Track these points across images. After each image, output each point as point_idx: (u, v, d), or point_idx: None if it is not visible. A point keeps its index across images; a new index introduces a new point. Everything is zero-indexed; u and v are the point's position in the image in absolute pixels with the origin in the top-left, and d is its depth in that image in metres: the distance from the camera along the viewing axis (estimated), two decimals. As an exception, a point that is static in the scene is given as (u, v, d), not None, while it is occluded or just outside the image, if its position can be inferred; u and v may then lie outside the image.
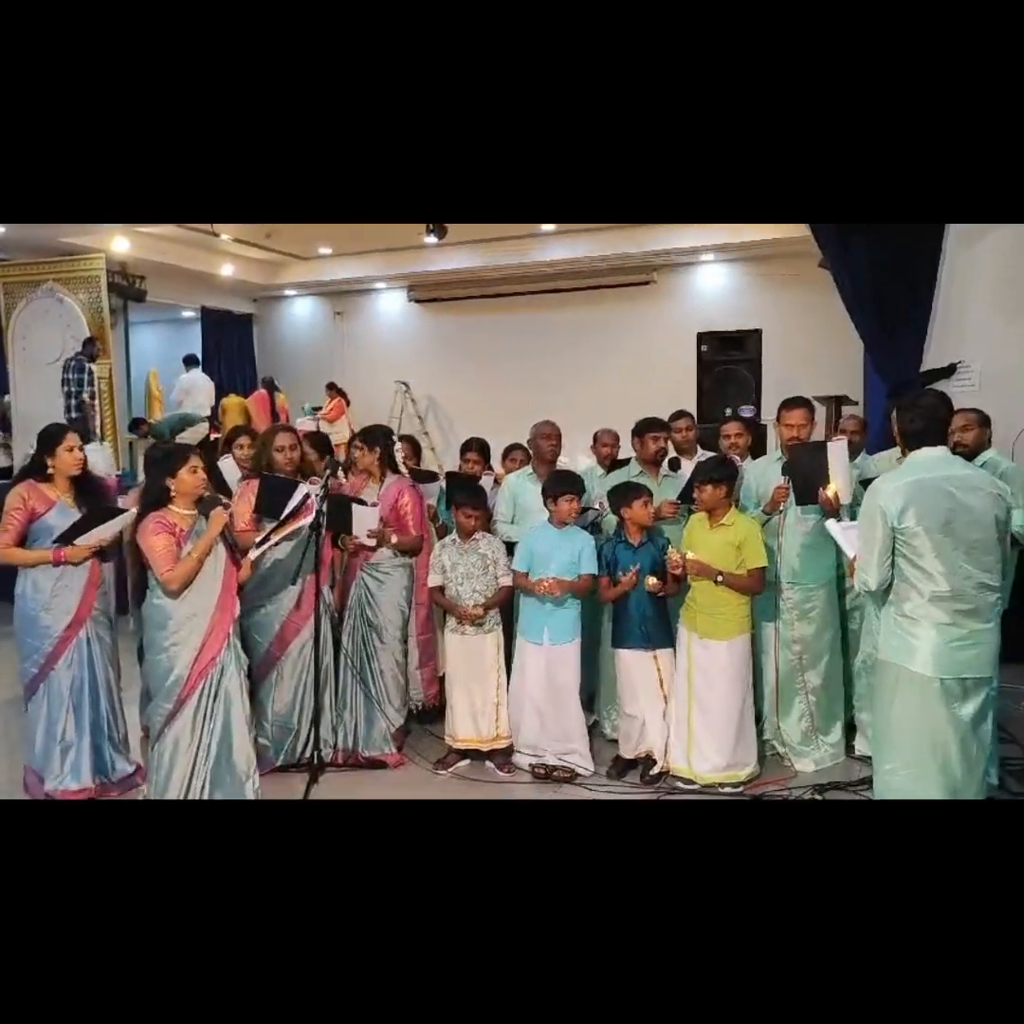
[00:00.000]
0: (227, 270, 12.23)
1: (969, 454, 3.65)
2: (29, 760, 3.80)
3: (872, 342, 6.47)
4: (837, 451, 3.66)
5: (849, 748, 4.13)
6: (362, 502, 4.01)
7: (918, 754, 2.62)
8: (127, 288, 11.07)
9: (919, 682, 2.60)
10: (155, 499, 3.27)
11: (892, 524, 2.58)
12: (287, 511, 3.58)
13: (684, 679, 3.76)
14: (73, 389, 8.52)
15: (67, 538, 3.60)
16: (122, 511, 3.67)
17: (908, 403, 2.78)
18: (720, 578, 3.64)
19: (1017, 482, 3.62)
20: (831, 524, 3.26)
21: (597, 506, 4.29)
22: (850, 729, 4.19)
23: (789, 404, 3.99)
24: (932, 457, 2.67)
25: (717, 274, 10.53)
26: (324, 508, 3.83)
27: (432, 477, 4.65)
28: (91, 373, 8.68)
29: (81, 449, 3.71)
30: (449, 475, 4.86)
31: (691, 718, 3.73)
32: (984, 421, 3.92)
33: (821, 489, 3.63)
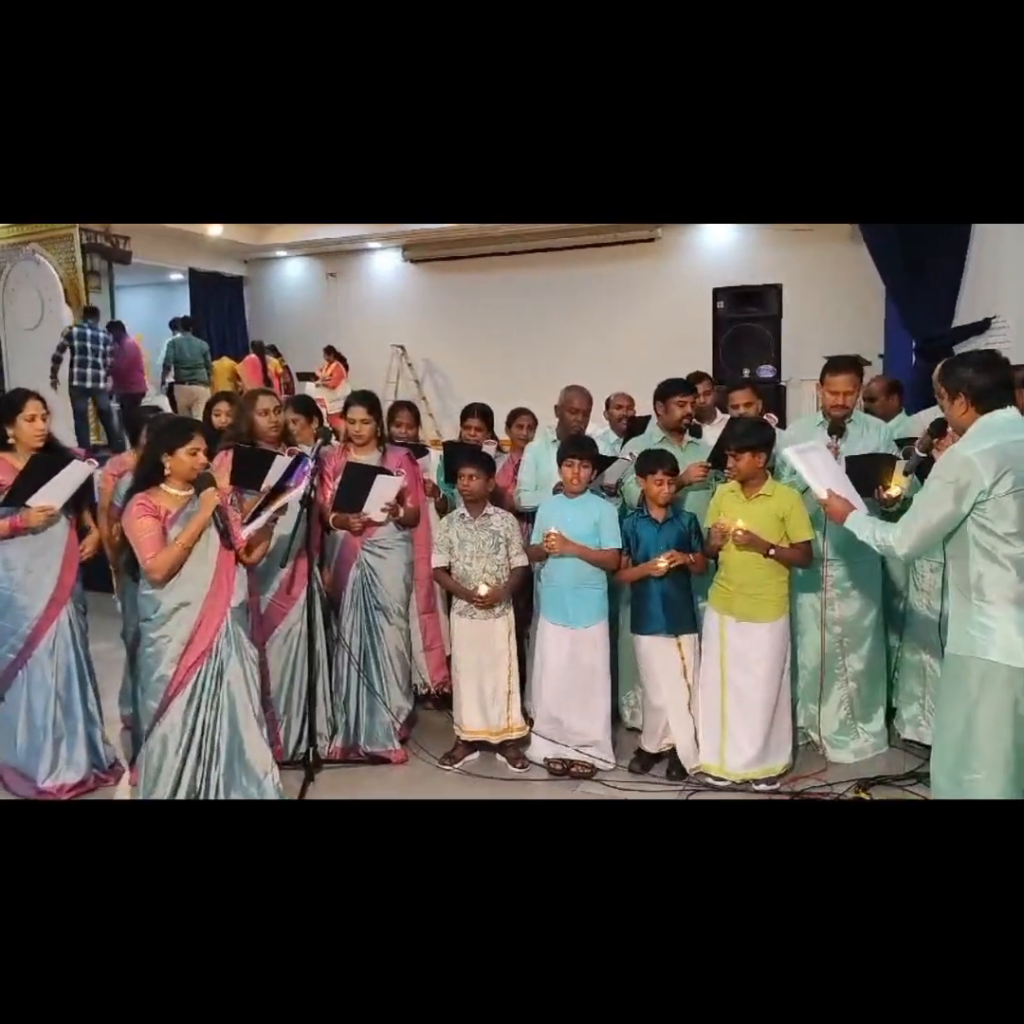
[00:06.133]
0: (215, 230, 11.79)
1: None
2: (9, 757, 3.49)
3: (900, 295, 6.07)
4: (903, 466, 3.33)
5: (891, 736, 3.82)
6: (388, 472, 3.66)
7: (1002, 756, 2.29)
8: (111, 249, 10.64)
9: (1008, 675, 2.27)
10: (147, 474, 2.99)
11: (980, 495, 2.25)
12: (276, 481, 3.19)
13: (716, 668, 3.42)
14: (96, 357, 8.20)
15: (15, 500, 3.28)
16: (68, 460, 3.33)
17: (968, 363, 2.45)
18: (772, 552, 3.30)
19: None
20: (789, 451, 2.88)
21: (627, 456, 3.88)
22: (891, 715, 3.88)
23: (835, 367, 3.58)
24: (1006, 419, 2.37)
25: (727, 228, 10.06)
26: (315, 481, 3.48)
27: (421, 451, 4.27)
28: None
29: (44, 419, 3.37)
30: (448, 444, 4.47)
31: (725, 710, 3.39)
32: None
33: (880, 488, 3.26)
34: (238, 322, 13.00)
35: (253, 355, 11.12)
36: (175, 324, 10.58)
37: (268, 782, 3.13)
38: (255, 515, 3.13)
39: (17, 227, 9.11)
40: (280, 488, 3.17)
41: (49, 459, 3.32)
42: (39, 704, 3.42)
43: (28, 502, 3.28)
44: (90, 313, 8.59)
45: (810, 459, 2.82)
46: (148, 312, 13.38)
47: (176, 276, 13.02)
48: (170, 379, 9.77)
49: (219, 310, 12.70)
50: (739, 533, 3.26)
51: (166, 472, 2.96)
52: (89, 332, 8.35)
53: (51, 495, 3.30)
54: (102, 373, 8.36)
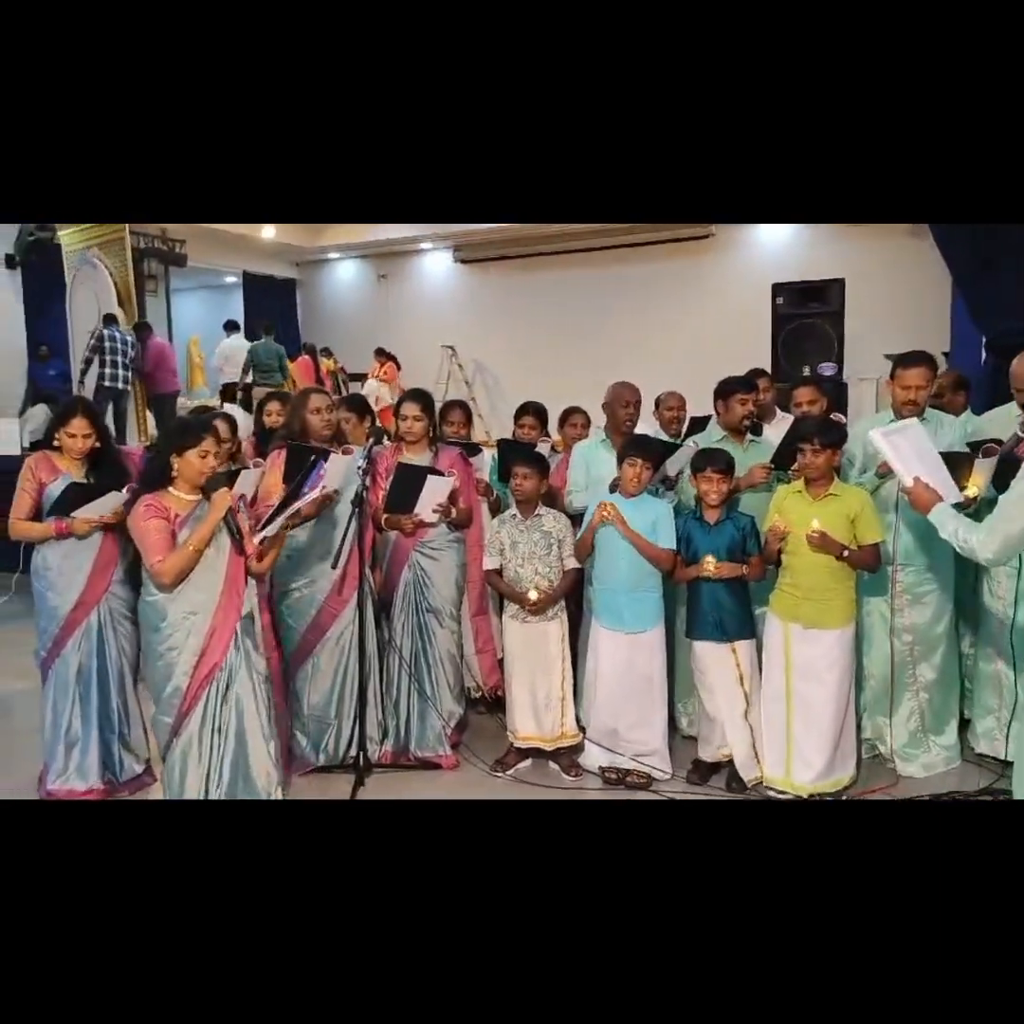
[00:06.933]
0: (268, 232, 11.90)
1: None
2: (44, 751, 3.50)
3: (970, 290, 5.83)
4: (985, 466, 3.15)
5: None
6: (439, 473, 3.59)
7: None
8: (167, 253, 10.83)
9: None
10: (155, 477, 2.89)
11: None
12: (292, 486, 3.10)
13: (780, 678, 3.28)
14: (123, 359, 8.41)
15: (61, 510, 3.30)
16: (115, 489, 3.31)
17: None
18: (846, 553, 3.15)
19: None
20: (875, 433, 2.68)
21: (693, 443, 3.74)
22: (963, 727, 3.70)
23: (907, 361, 3.40)
24: None
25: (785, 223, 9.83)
26: (367, 481, 3.43)
27: (475, 450, 4.19)
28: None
29: (86, 438, 3.36)
30: (502, 443, 4.39)
31: (791, 722, 3.25)
32: None
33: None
34: (291, 324, 13.12)
35: (305, 356, 11.21)
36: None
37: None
38: (270, 520, 3.00)
39: (83, 232, 9.28)
40: (295, 493, 3.05)
41: (85, 488, 3.33)
42: (61, 704, 3.41)
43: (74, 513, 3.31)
44: (110, 320, 8.82)
45: (896, 442, 2.61)
46: (203, 314, 13.58)
47: (230, 279, 13.19)
48: (247, 380, 9.95)
49: (272, 312, 12.80)
50: (814, 535, 3.12)
51: (173, 474, 2.86)
52: (118, 335, 8.60)
53: (97, 511, 3.31)
54: (129, 374, 8.60)
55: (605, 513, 3.36)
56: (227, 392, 10.28)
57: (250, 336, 11.32)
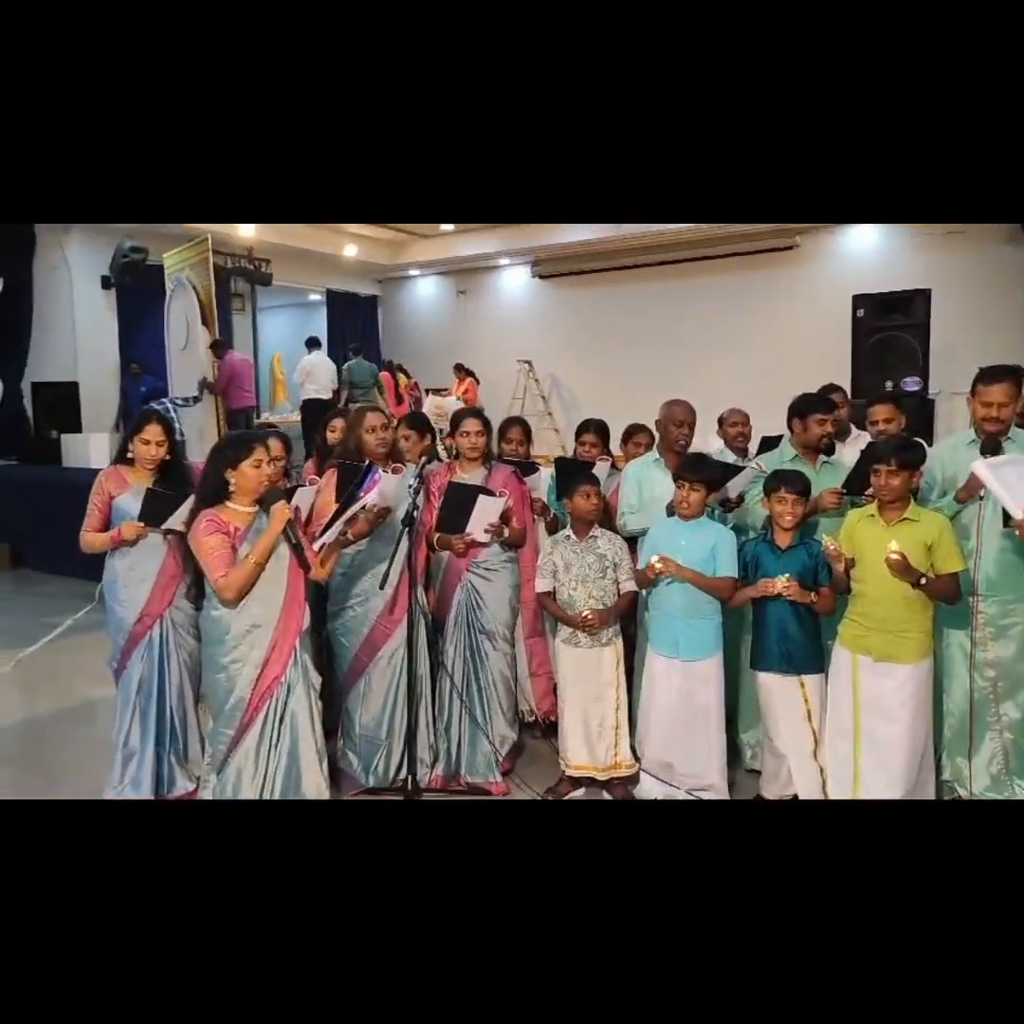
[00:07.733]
0: (351, 251, 12.14)
1: None
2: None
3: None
4: None
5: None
6: (489, 492, 3.54)
7: None
8: (254, 272, 11.14)
9: None
10: (211, 493, 2.90)
11: None
12: (349, 490, 3.12)
13: (847, 712, 3.08)
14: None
15: (146, 519, 3.34)
16: (184, 496, 3.31)
17: None
18: (924, 581, 2.94)
19: None
20: (979, 465, 2.57)
21: (755, 465, 3.59)
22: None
23: (990, 376, 3.17)
24: None
25: (871, 233, 9.48)
26: (417, 500, 3.40)
27: (530, 469, 4.11)
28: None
29: (159, 445, 3.41)
30: (560, 461, 4.29)
31: (858, 762, 3.05)
32: None
33: None
34: (372, 340, 13.35)
35: (386, 372, 11.40)
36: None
37: None
38: (328, 525, 3.03)
39: (180, 255, 9.62)
40: (351, 498, 3.07)
41: (171, 497, 3.34)
42: (123, 714, 3.46)
43: (163, 526, 3.35)
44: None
45: (1005, 474, 2.48)
46: (288, 331, 13.96)
47: (314, 297, 13.51)
48: (340, 396, 10.23)
49: (354, 329, 13.08)
50: (895, 556, 2.92)
51: (231, 489, 2.87)
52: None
53: (179, 516, 3.31)
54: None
55: (653, 571, 3.24)
56: (307, 407, 10.50)
57: (332, 353, 11.56)
